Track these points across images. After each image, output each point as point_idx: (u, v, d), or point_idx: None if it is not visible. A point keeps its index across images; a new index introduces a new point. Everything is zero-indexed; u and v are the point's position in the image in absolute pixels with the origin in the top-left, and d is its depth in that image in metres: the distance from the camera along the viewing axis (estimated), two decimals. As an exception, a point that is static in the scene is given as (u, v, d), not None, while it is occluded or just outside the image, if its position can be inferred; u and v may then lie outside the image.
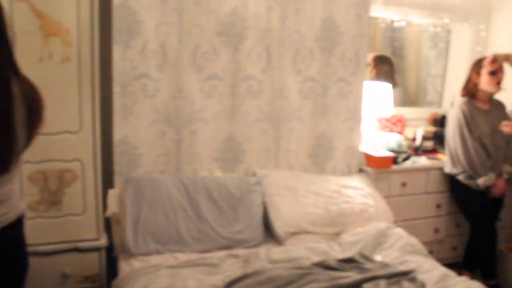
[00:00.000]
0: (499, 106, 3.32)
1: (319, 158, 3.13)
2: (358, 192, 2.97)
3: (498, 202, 3.28)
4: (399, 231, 2.74)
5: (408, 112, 3.79)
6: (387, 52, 4.02)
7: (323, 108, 3.07)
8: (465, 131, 3.12)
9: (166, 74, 2.72)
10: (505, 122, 2.90)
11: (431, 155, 3.48)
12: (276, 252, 2.47)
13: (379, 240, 2.65)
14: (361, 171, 3.26)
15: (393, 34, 4.07)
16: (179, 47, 2.73)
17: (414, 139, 3.58)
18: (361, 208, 2.88)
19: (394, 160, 3.19)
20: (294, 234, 2.71)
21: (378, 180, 3.15)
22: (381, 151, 3.22)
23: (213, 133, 2.87)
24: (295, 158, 3.07)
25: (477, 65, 3.21)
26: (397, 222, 3.20)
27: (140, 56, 2.65)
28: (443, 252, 3.53)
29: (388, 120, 3.60)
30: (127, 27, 2.60)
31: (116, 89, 2.64)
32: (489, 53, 3.84)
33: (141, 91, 2.68)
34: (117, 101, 2.65)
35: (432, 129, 3.62)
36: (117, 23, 2.58)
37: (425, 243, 3.30)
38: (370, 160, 3.16)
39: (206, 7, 2.73)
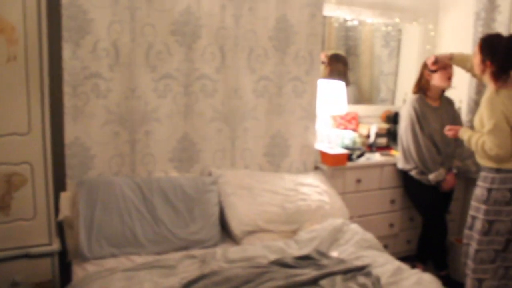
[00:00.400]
0: (449, 102, 3.43)
1: (275, 157, 3.15)
2: (314, 189, 3.01)
3: (448, 196, 3.39)
4: (354, 227, 2.79)
5: (362, 109, 3.87)
6: (341, 51, 4.09)
7: (278, 107, 3.09)
8: (417, 127, 3.21)
9: (119, 73, 2.67)
10: (448, 127, 2.98)
11: (384, 152, 3.56)
12: (233, 251, 2.47)
13: (335, 237, 2.69)
14: (316, 168, 3.30)
15: (347, 33, 4.14)
16: (132, 46, 2.68)
17: (368, 136, 3.65)
18: (317, 205, 2.91)
19: (349, 157, 3.24)
20: (251, 233, 2.71)
21: (333, 177, 3.19)
22: (336, 148, 3.27)
23: (168, 133, 2.84)
24: (251, 157, 3.08)
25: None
26: (352, 218, 3.26)
27: (91, 55, 2.59)
28: (398, 246, 3.62)
29: (342, 117, 3.66)
30: (77, 25, 2.54)
31: (67, 89, 2.57)
32: (438, 51, 3.99)
33: (93, 91, 2.62)
34: (68, 102, 2.58)
35: (385, 126, 3.71)
36: (67, 21, 2.51)
37: (380, 238, 3.39)
38: (325, 157, 3.20)
39: (159, 5, 2.70)
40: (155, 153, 2.83)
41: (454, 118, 3.34)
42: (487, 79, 2.76)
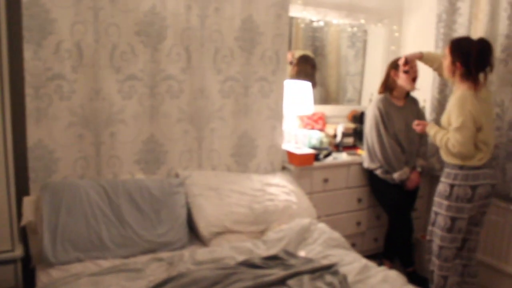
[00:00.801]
0: (413, 102, 3.49)
1: (242, 157, 3.16)
2: (281, 189, 3.02)
3: (413, 194, 3.46)
4: (322, 226, 2.82)
5: (328, 109, 3.91)
6: (308, 52, 4.13)
7: (245, 107, 3.10)
8: (381, 127, 3.26)
9: (82, 74, 2.63)
10: (416, 122, 3.05)
11: (351, 151, 3.60)
12: (200, 253, 2.46)
13: (302, 236, 2.71)
14: (284, 168, 3.32)
15: (314, 33, 4.18)
16: (96, 47, 2.64)
17: (334, 136, 3.69)
18: (285, 205, 2.93)
19: (316, 157, 3.27)
20: (219, 234, 2.71)
21: (300, 177, 3.22)
22: (303, 148, 3.29)
23: (133, 134, 2.80)
24: (218, 158, 3.07)
25: (395, 62, 3.35)
26: (320, 218, 3.29)
27: (54, 56, 2.54)
28: (366, 244, 3.67)
29: (309, 117, 3.69)
30: (39, 25, 2.48)
31: (28, 91, 2.51)
32: (402, 52, 4.06)
33: (56, 93, 2.57)
34: (30, 104, 2.52)
35: (351, 125, 3.75)
36: (28, 21, 2.46)
37: (348, 236, 3.45)
38: (292, 157, 3.22)
39: (123, 5, 2.67)
40: (121, 155, 2.79)
41: (418, 117, 3.41)
42: (456, 80, 2.83)
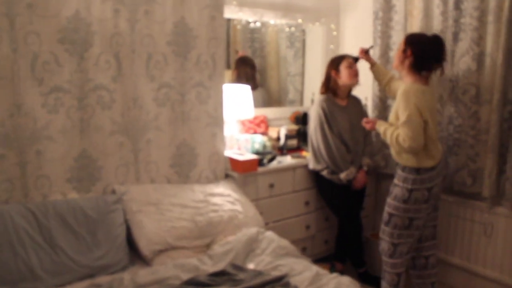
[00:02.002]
0: (356, 101, 3.45)
1: (183, 167, 3.00)
2: (225, 199, 2.89)
3: (360, 194, 3.42)
4: (269, 234, 2.71)
5: (270, 112, 3.82)
6: (248, 53, 4.03)
7: (182, 115, 2.94)
8: (326, 127, 3.19)
9: (0, 89, 2.38)
10: (365, 119, 3.01)
11: (295, 153, 3.52)
12: (142, 274, 2.29)
13: (250, 247, 2.60)
14: (227, 176, 3.19)
15: (253, 35, 4.08)
16: (14, 57, 2.40)
17: (278, 139, 3.60)
18: (230, 215, 2.80)
19: (260, 162, 3.16)
20: (162, 251, 2.54)
21: (245, 183, 3.10)
22: (246, 154, 3.17)
23: (63, 151, 2.58)
24: (157, 170, 2.90)
25: (334, 63, 3.29)
26: (268, 224, 3.19)
27: (-35, 70, 2.29)
28: (316, 247, 3.60)
29: (251, 121, 3.58)
30: None
31: None
32: (341, 51, 4.04)
33: (-29, 110, 2.32)
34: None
35: (294, 127, 3.68)
36: None
37: (298, 241, 3.38)
38: (235, 164, 3.10)
39: (43, 11, 2.44)
40: (50, 174, 2.56)
41: (361, 116, 3.37)
42: (404, 72, 2.81)
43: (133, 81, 2.74)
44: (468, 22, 3.09)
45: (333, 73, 3.27)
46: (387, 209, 2.92)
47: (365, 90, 3.65)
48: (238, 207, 2.87)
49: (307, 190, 3.44)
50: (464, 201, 3.27)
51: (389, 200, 2.90)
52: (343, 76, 3.23)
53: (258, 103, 3.87)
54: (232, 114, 3.25)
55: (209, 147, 3.08)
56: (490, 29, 3.01)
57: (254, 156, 3.11)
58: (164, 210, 2.68)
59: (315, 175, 3.37)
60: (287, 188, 3.33)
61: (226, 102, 3.18)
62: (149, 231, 2.55)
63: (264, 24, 3.84)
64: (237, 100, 3.26)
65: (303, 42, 4.21)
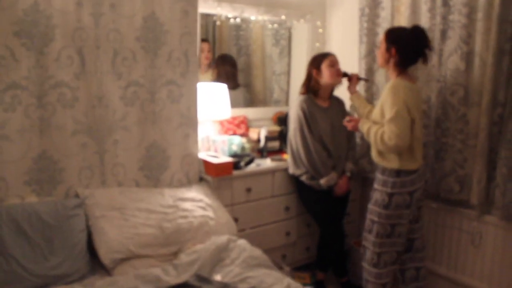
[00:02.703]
0: (338, 102, 3.29)
1: (153, 170, 2.83)
2: (197, 204, 2.73)
3: (343, 201, 3.25)
4: (242, 243, 2.55)
5: (251, 112, 3.65)
6: (233, 51, 3.87)
7: (152, 115, 2.78)
8: (306, 129, 3.03)
9: (-49, 85, 2.23)
10: (347, 118, 2.85)
11: (276, 156, 3.35)
12: (99, 285, 2.15)
13: (219, 256, 2.44)
14: (202, 180, 3.03)
15: (238, 32, 3.93)
16: (-35, 53, 2.26)
17: (258, 141, 3.44)
18: (200, 222, 2.64)
19: (236, 165, 3.00)
20: (124, 260, 2.38)
21: (220, 188, 2.94)
22: (222, 157, 3.00)
23: (21, 152, 2.42)
24: (124, 173, 2.74)
25: (315, 61, 3.13)
26: (245, 231, 3.04)
27: None
28: (297, 254, 3.44)
29: (230, 122, 3.42)
30: None
31: None
32: (327, 48, 3.87)
33: None
34: None
35: (276, 128, 3.51)
36: None
37: (277, 248, 3.23)
38: (209, 167, 2.93)
39: (-4, 2, 2.29)
40: (7, 176, 2.41)
41: (344, 118, 3.20)
42: (390, 69, 2.67)
43: (98, 79, 2.58)
44: (456, 19, 2.92)
45: (314, 72, 3.10)
46: (368, 216, 2.77)
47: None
48: (209, 213, 2.71)
49: (287, 195, 3.28)
50: (452, 209, 3.10)
51: (370, 206, 2.75)
52: (325, 75, 3.07)
53: (239, 103, 3.72)
54: (207, 114, 3.09)
55: (182, 149, 2.92)
56: (480, 26, 2.84)
57: (229, 159, 2.94)
58: (129, 216, 2.52)
59: (295, 180, 3.20)
60: (265, 193, 3.17)
61: (200, 101, 3.03)
62: (110, 238, 2.39)
63: (245, 21, 3.67)
64: (213, 100, 3.10)
65: (289, 40, 4.04)
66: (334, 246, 3.20)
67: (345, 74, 3.11)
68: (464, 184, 2.99)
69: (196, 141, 2.97)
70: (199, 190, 2.87)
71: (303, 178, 3.09)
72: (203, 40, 3.60)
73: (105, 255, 2.34)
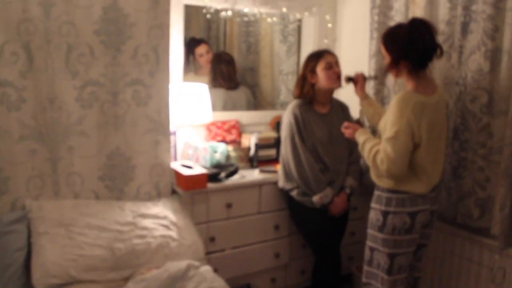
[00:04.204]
0: (340, 108, 2.84)
1: (115, 181, 2.51)
2: (159, 222, 2.39)
3: (341, 222, 2.80)
4: (204, 271, 2.19)
5: (245, 116, 3.26)
6: (242, 49, 3.54)
7: (114, 119, 2.46)
8: (297, 139, 2.62)
9: None
10: (345, 123, 2.42)
11: (266, 167, 2.95)
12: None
13: (172, 287, 2.08)
14: (175, 192, 2.69)
15: (248, 28, 3.57)
16: None
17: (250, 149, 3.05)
18: (160, 243, 2.30)
19: (215, 177, 2.63)
20: (62, 286, 2.07)
21: (194, 202, 2.58)
22: (196, 167, 2.64)
23: (-42, 158, 2.18)
24: (81, 183, 2.44)
25: (310, 62, 2.70)
26: (225, 251, 2.70)
27: None
28: (290, 278, 3.02)
29: (219, 127, 3.05)
30: None
31: None
32: (337, 46, 3.44)
33: None
34: None
35: (272, 134, 3.11)
36: None
37: (265, 271, 2.87)
38: (179, 179, 2.58)
39: None
40: None
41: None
42: (405, 80, 2.20)
43: (49, 78, 2.29)
44: (480, 10, 2.42)
45: (308, 76, 2.67)
46: (367, 243, 2.34)
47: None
48: (172, 233, 2.36)
49: (277, 212, 2.87)
50: (470, 237, 2.59)
51: (367, 229, 2.32)
52: (321, 79, 2.63)
53: (241, 105, 3.35)
54: (184, 118, 2.74)
55: (150, 158, 2.58)
56: (509, 18, 2.33)
57: (203, 170, 2.57)
58: (76, 234, 2.21)
59: (286, 195, 2.79)
60: (250, 209, 2.78)
61: (175, 103, 2.68)
62: (48, 260, 2.08)
63: (254, 15, 3.27)
64: (191, 102, 2.74)
65: (298, 36, 3.62)
66: (329, 272, 2.76)
67: (349, 79, 2.65)
68: (485, 209, 2.50)
69: (167, 149, 2.62)
70: (167, 205, 2.52)
71: (294, 193, 2.68)
72: (200, 42, 3.28)
73: (39, 280, 2.04)
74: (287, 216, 2.88)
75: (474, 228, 2.56)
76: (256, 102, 3.61)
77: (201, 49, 3.30)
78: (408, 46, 2.10)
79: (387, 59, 2.21)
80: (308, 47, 3.49)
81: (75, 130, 2.38)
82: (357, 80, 2.63)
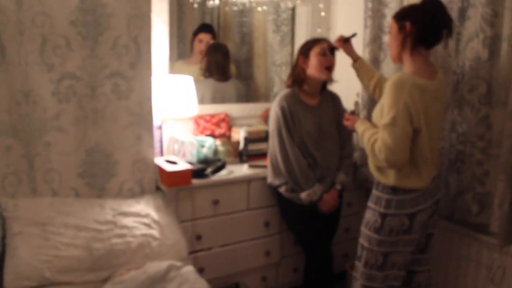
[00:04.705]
0: (333, 100, 2.72)
1: (96, 178, 2.41)
2: (140, 220, 2.29)
3: (333, 218, 2.68)
4: (186, 272, 2.10)
5: (235, 109, 3.14)
6: (236, 40, 3.44)
7: (93, 113, 2.35)
8: (284, 133, 2.51)
9: None
10: (346, 115, 2.31)
11: (255, 162, 2.84)
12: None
13: (151, 289, 1.99)
14: (159, 189, 2.58)
15: (241, 18, 3.46)
16: None
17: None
18: (140, 242, 2.20)
19: (201, 173, 2.53)
20: (37, 288, 1.99)
21: (179, 200, 2.48)
22: (181, 162, 2.53)
23: None
24: (60, 180, 2.33)
25: (305, 46, 2.60)
26: (212, 249, 2.61)
27: None
28: (281, 276, 2.92)
29: (207, 120, 2.94)
30: None
31: None
32: (332, 36, 3.31)
33: None
34: None
35: (262, 128, 3.00)
36: None
37: (255, 269, 2.79)
38: (163, 175, 2.48)
39: None
40: None
41: (339, 120, 2.64)
42: (406, 58, 2.06)
43: (23, 71, 2.18)
44: (478, -7, 2.29)
45: (300, 60, 2.56)
46: (359, 240, 2.23)
47: (356, 83, 2.88)
48: (154, 232, 2.26)
49: (267, 208, 2.76)
50: (468, 233, 2.47)
51: (361, 227, 2.21)
52: (312, 64, 2.52)
53: (231, 97, 3.24)
54: (169, 112, 2.64)
55: (133, 153, 2.47)
56: (509, 2, 2.20)
57: (187, 166, 2.47)
58: (52, 233, 2.12)
59: (275, 192, 2.68)
60: (239, 205, 2.67)
61: (159, 96, 2.57)
62: (22, 261, 2.00)
63: (247, 4, 3.14)
64: (176, 94, 2.63)
65: (292, 25, 3.49)
66: (320, 271, 2.65)
67: (331, 48, 2.53)
68: (484, 205, 2.38)
69: (150, 144, 2.51)
70: (149, 203, 2.42)
71: (282, 189, 2.57)
72: (203, 30, 3.17)
73: (11, 282, 1.95)
74: (277, 212, 2.77)
75: (473, 225, 2.44)
76: (250, 94, 3.50)
77: (203, 36, 3.18)
78: (419, 12, 2.00)
79: (394, 29, 2.08)
80: (302, 37, 3.36)
81: (51, 125, 2.28)
82: (338, 44, 2.51)
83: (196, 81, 2.96)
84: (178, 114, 2.66)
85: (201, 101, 3.09)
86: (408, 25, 2.01)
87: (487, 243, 2.37)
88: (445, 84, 2.20)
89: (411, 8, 2.08)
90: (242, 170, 2.73)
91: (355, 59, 2.52)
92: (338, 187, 2.61)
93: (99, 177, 2.42)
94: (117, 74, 2.37)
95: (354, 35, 2.52)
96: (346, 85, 2.80)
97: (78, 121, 2.33)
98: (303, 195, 2.49)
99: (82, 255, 2.10)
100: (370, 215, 2.16)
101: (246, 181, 2.67)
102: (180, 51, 3.24)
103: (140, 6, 2.38)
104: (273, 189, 2.67)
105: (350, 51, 2.53)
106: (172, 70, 2.93)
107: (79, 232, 2.16)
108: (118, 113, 2.40)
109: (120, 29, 2.35)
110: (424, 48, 2.03)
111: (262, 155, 2.94)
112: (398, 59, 2.11)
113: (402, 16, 2.06)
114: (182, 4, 3.01)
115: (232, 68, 3.33)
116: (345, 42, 2.51)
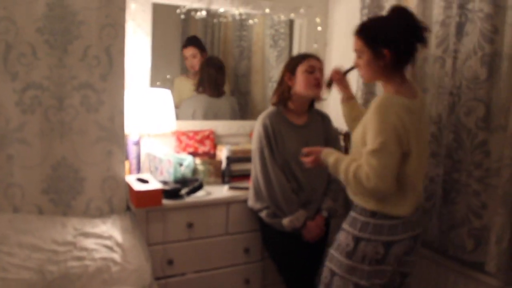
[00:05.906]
0: (322, 119, 2.54)
1: (61, 194, 2.27)
2: (102, 242, 2.13)
3: (318, 246, 2.47)
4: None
5: (221, 126, 2.98)
6: (236, 53, 3.35)
7: (60, 126, 2.22)
8: (266, 153, 2.33)
9: None
10: (305, 150, 2.05)
11: (237, 183, 2.66)
12: None
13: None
14: (130, 209, 2.43)
15: (241, 32, 3.35)
16: None
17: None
18: (99, 266, 2.03)
19: (173, 193, 2.37)
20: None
21: (149, 221, 2.32)
22: (153, 181, 2.38)
23: None
24: (22, 195, 2.21)
25: (292, 63, 2.43)
26: (185, 275, 2.43)
27: None
28: (264, 306, 2.72)
29: (191, 137, 2.79)
30: None
31: None
32: (328, 51, 3.14)
33: None
34: None
35: (250, 146, 2.82)
36: None
37: None
38: (132, 195, 2.33)
39: None
40: None
41: (328, 141, 2.46)
42: (383, 81, 1.89)
43: (-16, 79, 2.08)
44: (477, 8, 2.10)
45: (286, 77, 2.40)
46: (327, 264, 2.00)
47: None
48: (115, 256, 2.10)
49: (248, 233, 2.57)
50: (464, 272, 2.24)
51: (331, 250, 1.99)
52: (299, 82, 2.35)
53: (224, 114, 3.09)
54: (146, 127, 2.50)
55: (102, 170, 2.33)
56: (510, 17, 2.00)
57: (157, 185, 2.31)
58: (3, 253, 1.98)
59: (256, 216, 2.49)
60: (216, 229, 2.49)
61: (136, 111, 2.44)
62: (-36, 284, 1.86)
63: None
64: (155, 109, 2.50)
65: (290, 40, 3.34)
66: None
67: (329, 83, 2.32)
68: (481, 241, 2.16)
69: (122, 160, 2.37)
70: (116, 224, 2.27)
71: (263, 214, 2.39)
72: (189, 44, 3.06)
73: (-49, 307, 1.82)
74: (259, 238, 2.58)
75: (468, 262, 2.21)
76: (247, 111, 3.36)
77: (187, 51, 3.09)
78: (394, 33, 1.79)
79: (365, 55, 1.88)
80: (296, 52, 3.20)
81: (14, 137, 2.16)
82: (335, 78, 2.28)
83: (189, 97, 2.83)
84: (155, 129, 2.52)
85: (192, 117, 2.96)
86: (386, 52, 1.81)
87: (486, 282, 2.13)
88: (426, 102, 2.02)
89: (381, 29, 1.83)
90: (222, 191, 2.56)
91: (349, 97, 2.28)
92: (324, 214, 2.41)
93: (64, 193, 2.28)
94: (86, 85, 2.24)
95: (353, 68, 2.17)
96: (333, 106, 2.61)
97: (43, 134, 2.21)
98: (285, 221, 2.30)
99: (33, 279, 1.93)
100: (342, 238, 1.94)
101: (224, 203, 2.49)
102: (183, 65, 3.15)
103: (114, 15, 2.26)
104: (255, 214, 2.49)
105: (345, 87, 2.27)
106: (172, 84, 2.82)
107: (33, 253, 2.02)
108: (86, 126, 2.27)
109: (91, 38, 2.23)
110: (403, 66, 1.84)
111: (247, 176, 2.76)
112: (373, 80, 1.92)
113: (374, 40, 1.83)
114: (169, 15, 2.89)
115: (227, 84, 3.20)
116: (344, 75, 2.29)
